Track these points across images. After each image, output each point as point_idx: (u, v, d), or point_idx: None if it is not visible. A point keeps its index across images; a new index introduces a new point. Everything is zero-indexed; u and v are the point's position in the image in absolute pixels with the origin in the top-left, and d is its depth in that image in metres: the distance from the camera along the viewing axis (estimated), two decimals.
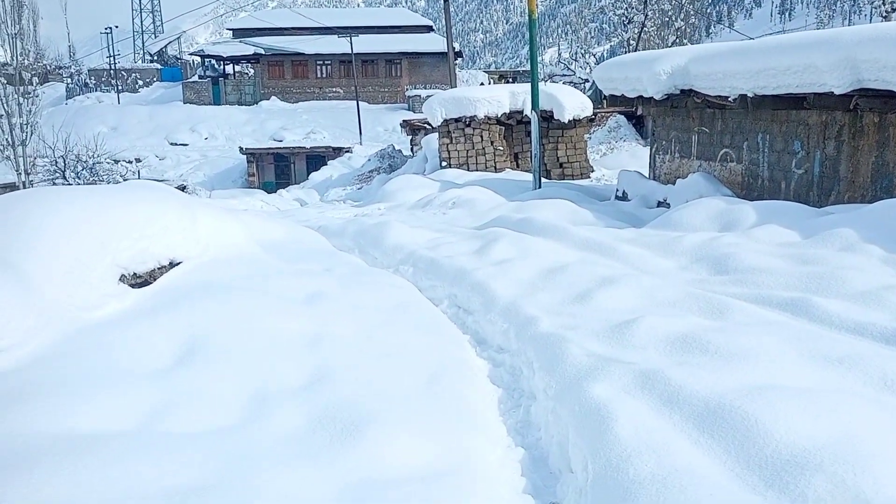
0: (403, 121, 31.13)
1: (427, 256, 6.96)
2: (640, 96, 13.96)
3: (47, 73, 77.16)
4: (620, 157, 25.45)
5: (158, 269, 5.21)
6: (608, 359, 3.90)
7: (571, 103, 20.27)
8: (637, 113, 28.66)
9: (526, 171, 20.06)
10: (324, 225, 9.22)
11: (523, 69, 63.01)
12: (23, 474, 2.80)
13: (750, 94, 10.92)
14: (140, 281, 5.05)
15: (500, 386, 4.45)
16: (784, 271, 5.54)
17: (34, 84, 33.59)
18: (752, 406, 3.02)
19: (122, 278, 4.93)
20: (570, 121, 20.36)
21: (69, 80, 70.45)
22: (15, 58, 33.18)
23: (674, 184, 13.38)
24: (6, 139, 32.25)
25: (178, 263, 5.35)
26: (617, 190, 15.07)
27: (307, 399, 3.59)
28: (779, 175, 11.40)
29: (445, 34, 32.02)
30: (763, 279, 5.43)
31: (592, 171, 21.67)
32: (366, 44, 60.06)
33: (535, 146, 15.80)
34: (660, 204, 13.39)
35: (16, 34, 32.82)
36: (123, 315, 4.51)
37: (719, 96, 11.85)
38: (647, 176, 15.05)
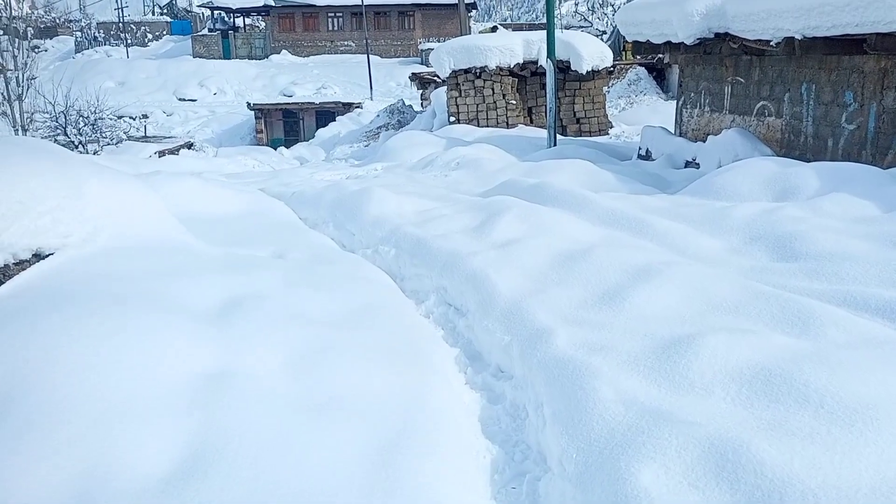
0: (412, 74, 29.62)
1: (413, 235, 5.61)
2: (668, 42, 12.53)
3: (56, 26, 75.82)
4: (640, 111, 23.91)
5: (15, 264, 3.68)
6: (657, 413, 2.63)
7: (590, 52, 18.73)
8: (658, 66, 27.08)
9: (540, 126, 18.62)
10: (299, 191, 7.78)
11: (539, 22, 60.91)
12: None
13: (798, 37, 9.48)
14: None
15: (494, 441, 3.17)
16: (872, 258, 4.24)
17: (28, 37, 32.24)
18: None
19: None
20: (588, 72, 18.86)
21: (79, 33, 68.96)
22: (8, 8, 31.87)
23: (704, 141, 12.00)
24: (1, 94, 31.13)
25: (49, 255, 3.84)
26: (639, 148, 13.70)
27: None
28: (825, 131, 10.00)
29: None
30: (847, 269, 4.12)
31: (611, 128, 20.21)
32: None
33: (550, 99, 14.37)
34: (688, 164, 12.05)
35: None
36: None
37: (759, 40, 10.41)
38: (674, 132, 13.66)
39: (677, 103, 13.98)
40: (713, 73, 12.55)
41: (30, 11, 77.76)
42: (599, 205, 5.93)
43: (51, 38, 71.97)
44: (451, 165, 10.53)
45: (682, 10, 11.35)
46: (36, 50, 68.76)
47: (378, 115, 31.32)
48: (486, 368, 3.86)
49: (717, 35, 11.23)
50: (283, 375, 3.11)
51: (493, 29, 45.44)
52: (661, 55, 20.19)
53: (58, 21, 75.02)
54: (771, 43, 10.08)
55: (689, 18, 11.23)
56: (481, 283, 4.42)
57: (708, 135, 12.29)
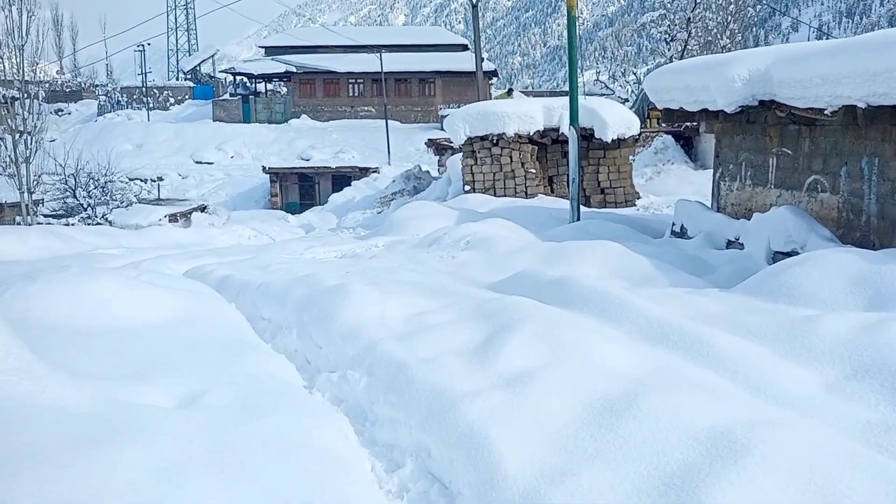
0: (429, 139, 28.77)
1: (393, 358, 4.15)
2: (705, 109, 11.33)
3: (82, 90, 77.67)
4: (668, 181, 22.67)
5: None
6: None
7: (615, 119, 17.58)
8: (686, 133, 25.99)
9: (562, 196, 17.38)
10: (266, 283, 6.28)
11: (561, 90, 60.71)
12: None
13: (861, 105, 8.23)
14: None
15: None
16: None
17: (40, 99, 32.01)
18: None
19: None
20: (613, 140, 17.67)
21: (103, 97, 70.28)
22: (22, 70, 31.71)
23: (748, 218, 10.66)
24: (9, 156, 30.79)
25: None
26: (673, 224, 12.39)
27: None
28: (893, 211, 8.65)
29: (474, 43, 29.59)
30: None
31: (638, 198, 18.91)
32: (399, 62, 58.49)
33: (573, 168, 13.12)
34: (730, 244, 10.73)
35: (22, 46, 31.33)
36: None
37: (811, 108, 9.16)
38: (710, 207, 12.33)
39: (714, 175, 12.69)
40: (755, 144, 11.29)
41: (57, 76, 79.25)
42: (639, 311, 4.55)
43: (75, 102, 73.00)
44: (461, 244, 9.23)
45: (722, 75, 10.14)
46: (60, 113, 69.74)
47: (394, 181, 30.46)
48: None
49: (762, 102, 10.01)
50: None
51: (509, 93, 44.67)
52: (690, 123, 19.01)
53: (83, 85, 76.20)
54: (825, 112, 8.84)
55: (731, 84, 10.01)
56: (479, 450, 3.00)
57: (750, 211, 10.97)
